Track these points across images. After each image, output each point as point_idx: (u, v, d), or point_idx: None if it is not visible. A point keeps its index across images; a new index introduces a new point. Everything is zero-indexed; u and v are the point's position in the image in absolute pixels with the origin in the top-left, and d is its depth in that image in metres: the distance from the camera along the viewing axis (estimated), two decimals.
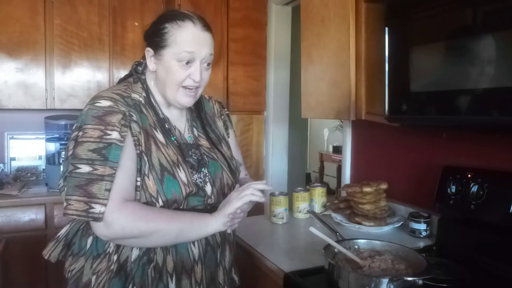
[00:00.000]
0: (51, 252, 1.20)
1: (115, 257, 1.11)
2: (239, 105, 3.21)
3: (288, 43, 3.35)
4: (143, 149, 1.12)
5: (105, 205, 1.03)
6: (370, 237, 1.50)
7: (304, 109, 1.98)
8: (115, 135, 1.07)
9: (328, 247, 1.25)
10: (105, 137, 1.06)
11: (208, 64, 1.20)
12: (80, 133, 1.07)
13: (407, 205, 1.86)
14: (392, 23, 1.41)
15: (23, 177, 3.04)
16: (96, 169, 1.04)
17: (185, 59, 1.14)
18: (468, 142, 1.59)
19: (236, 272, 1.36)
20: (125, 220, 1.05)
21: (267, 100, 3.34)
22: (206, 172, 1.21)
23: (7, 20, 2.70)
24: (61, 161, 2.73)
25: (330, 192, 2.31)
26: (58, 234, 1.24)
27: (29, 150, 3.12)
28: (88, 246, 1.14)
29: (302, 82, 1.98)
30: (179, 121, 1.26)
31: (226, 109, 1.45)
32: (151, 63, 1.19)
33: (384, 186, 1.81)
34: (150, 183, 1.10)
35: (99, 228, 1.06)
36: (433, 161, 1.73)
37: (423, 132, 1.79)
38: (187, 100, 1.19)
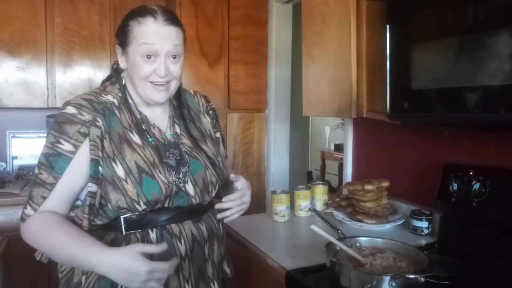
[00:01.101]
0: (42, 253, 1.18)
1: None
2: (240, 103, 3.21)
3: (289, 41, 3.35)
4: (108, 154, 1.10)
5: (35, 210, 1.07)
6: (372, 235, 1.51)
7: (305, 107, 1.98)
8: (67, 146, 1.09)
9: (329, 245, 1.25)
10: (57, 144, 1.09)
11: (175, 57, 1.16)
12: (46, 139, 1.12)
13: (408, 202, 1.86)
14: (393, 20, 1.41)
15: (25, 176, 3.03)
16: (41, 173, 1.09)
17: (146, 51, 1.12)
18: (470, 140, 1.59)
19: (229, 265, 1.35)
20: (30, 231, 1.07)
21: (268, 98, 3.34)
22: (186, 171, 1.18)
23: (7, 19, 2.69)
24: None
25: (331, 190, 2.32)
26: None
27: (31, 148, 3.12)
28: None
29: (303, 80, 1.98)
30: (161, 119, 1.24)
31: (211, 103, 1.42)
32: (121, 61, 1.19)
33: (385, 184, 1.81)
34: (129, 187, 1.09)
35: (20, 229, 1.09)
36: (434, 158, 1.73)
37: (424, 130, 1.79)
38: (158, 95, 1.17)
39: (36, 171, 1.09)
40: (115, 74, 1.23)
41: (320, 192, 2.06)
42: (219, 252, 1.29)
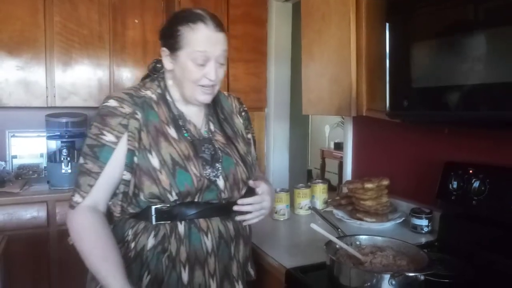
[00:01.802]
0: None
1: (132, 245, 1.16)
2: None
3: (288, 39, 3.34)
4: (145, 145, 1.15)
5: (83, 197, 1.13)
6: (372, 233, 1.50)
7: (305, 105, 1.98)
8: (109, 137, 1.15)
9: (329, 243, 1.25)
10: (101, 136, 1.15)
11: (222, 61, 1.22)
12: (89, 130, 1.18)
13: (408, 201, 1.86)
14: (393, 18, 1.41)
15: (25, 175, 3.04)
16: (86, 163, 1.15)
17: (199, 59, 1.17)
18: (470, 138, 1.59)
19: (253, 266, 1.37)
20: (74, 226, 1.14)
21: (268, 97, 3.34)
22: (219, 166, 1.23)
23: (7, 18, 2.70)
24: (62, 159, 2.75)
25: (331, 189, 2.31)
26: None
27: (31, 148, 3.13)
28: None
29: (303, 78, 1.98)
30: (197, 116, 1.29)
31: (244, 106, 1.46)
32: (167, 62, 1.23)
33: (385, 182, 1.81)
34: (163, 177, 1.13)
35: (66, 217, 1.16)
36: (434, 157, 1.73)
37: (424, 128, 1.79)
38: (205, 97, 1.23)
39: (81, 161, 1.16)
40: (153, 72, 1.30)
41: (320, 191, 2.06)
42: (244, 252, 1.30)
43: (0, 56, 2.71)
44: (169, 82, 1.26)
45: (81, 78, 2.92)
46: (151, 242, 1.15)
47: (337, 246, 1.25)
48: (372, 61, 1.60)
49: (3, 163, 2.99)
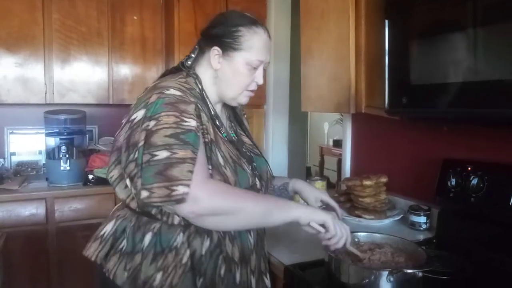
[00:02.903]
0: (97, 253, 1.14)
1: (186, 251, 1.08)
2: None
3: (287, 36, 3.33)
4: (213, 139, 1.09)
5: (188, 185, 0.96)
6: (370, 230, 1.51)
7: (304, 102, 1.98)
8: (192, 122, 1.03)
9: None
10: (182, 123, 1.01)
11: (265, 69, 1.24)
12: (152, 122, 1.01)
13: (407, 198, 1.87)
14: (392, 16, 1.41)
15: (23, 172, 3.04)
16: (175, 153, 0.98)
17: (255, 63, 1.17)
18: (468, 135, 1.59)
19: None
20: (212, 195, 1.01)
21: (267, 94, 3.33)
22: (255, 166, 1.24)
23: (6, 15, 2.69)
24: (60, 156, 2.73)
25: (330, 186, 2.31)
26: (102, 233, 1.17)
27: (29, 145, 3.12)
28: (146, 242, 1.08)
29: (302, 75, 1.98)
30: (222, 118, 1.25)
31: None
32: (215, 62, 1.18)
33: (384, 179, 1.81)
34: (228, 173, 1.09)
35: (185, 208, 0.98)
36: (433, 154, 1.73)
37: (423, 125, 1.79)
38: (246, 99, 1.24)
39: (166, 154, 0.98)
40: (185, 68, 1.21)
41: (319, 188, 2.06)
42: (266, 249, 1.35)
43: None
44: (205, 81, 1.20)
45: (80, 75, 2.92)
46: (206, 245, 1.09)
47: None
48: (371, 58, 1.60)
49: (1, 160, 2.99)
